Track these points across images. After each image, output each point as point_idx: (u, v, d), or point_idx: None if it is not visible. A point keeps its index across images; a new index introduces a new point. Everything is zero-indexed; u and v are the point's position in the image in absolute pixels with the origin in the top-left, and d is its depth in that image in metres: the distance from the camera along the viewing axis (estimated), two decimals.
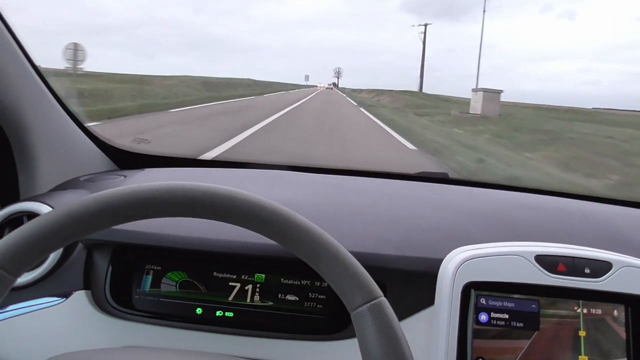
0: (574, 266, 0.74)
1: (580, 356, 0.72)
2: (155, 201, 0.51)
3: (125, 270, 0.84)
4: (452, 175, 1.34)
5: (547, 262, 0.74)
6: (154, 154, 1.25)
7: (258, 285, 0.83)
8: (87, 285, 0.82)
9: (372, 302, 0.50)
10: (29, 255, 0.48)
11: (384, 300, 0.51)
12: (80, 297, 0.80)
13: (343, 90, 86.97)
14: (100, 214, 0.50)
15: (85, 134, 1.15)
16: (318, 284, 0.83)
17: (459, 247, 0.79)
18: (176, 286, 0.83)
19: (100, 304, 0.81)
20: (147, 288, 0.83)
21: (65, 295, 0.80)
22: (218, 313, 0.82)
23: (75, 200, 0.50)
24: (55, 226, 0.49)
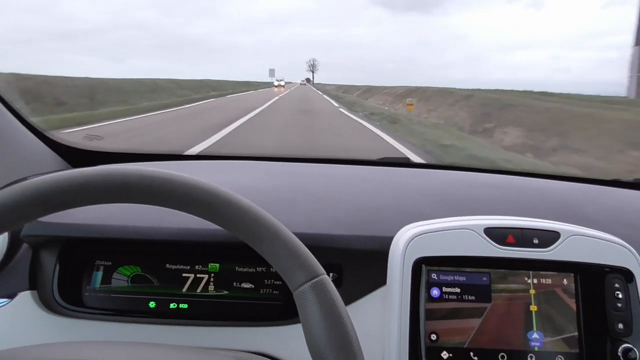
0: (522, 237, 0.75)
1: (532, 329, 0.73)
2: (89, 187, 0.49)
3: (73, 268, 0.82)
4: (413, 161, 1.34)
5: (496, 234, 0.74)
6: (106, 151, 1.22)
7: (212, 275, 0.82)
8: (33, 286, 0.79)
9: (313, 280, 0.49)
10: None
11: (326, 278, 0.50)
12: (26, 298, 0.78)
13: (322, 88, 66.37)
14: (30, 202, 0.48)
15: (33, 132, 1.11)
16: (274, 270, 0.82)
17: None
18: (128, 281, 0.81)
19: (47, 304, 0.78)
20: (98, 285, 0.81)
21: (10, 296, 0.78)
22: (172, 305, 0.80)
23: (2, 190, 0.48)
24: None
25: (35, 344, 0.58)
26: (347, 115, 15.34)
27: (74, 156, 1.18)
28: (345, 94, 39.90)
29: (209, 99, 23.25)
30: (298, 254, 0.51)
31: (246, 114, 13.22)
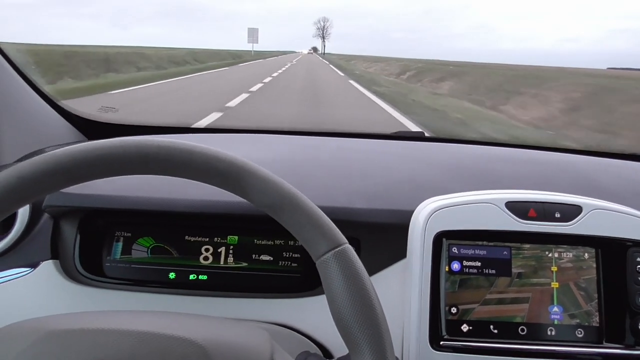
0: (544, 211, 0.74)
1: (553, 303, 0.73)
2: (108, 159, 0.49)
3: (94, 239, 0.82)
4: (428, 134, 1.34)
5: (518, 208, 0.74)
6: (121, 123, 1.22)
7: (231, 247, 0.83)
8: (55, 255, 0.80)
9: (336, 249, 0.49)
10: None
11: (348, 247, 0.50)
12: (48, 267, 0.79)
13: (351, 67, 29.82)
14: (51, 174, 0.48)
15: (49, 104, 1.11)
16: (292, 243, 0.83)
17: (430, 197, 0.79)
18: (148, 252, 0.82)
19: (69, 273, 0.79)
20: (118, 255, 0.82)
21: (33, 265, 0.79)
22: (192, 276, 0.81)
23: (23, 162, 0.48)
24: (5, 189, 0.47)
25: (62, 313, 0.59)
26: None
27: (89, 128, 1.18)
28: None
29: None
30: (320, 223, 0.50)
31: None
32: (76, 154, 0.48)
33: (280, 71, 21.02)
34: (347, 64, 37.28)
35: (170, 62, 20.47)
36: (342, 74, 21.80)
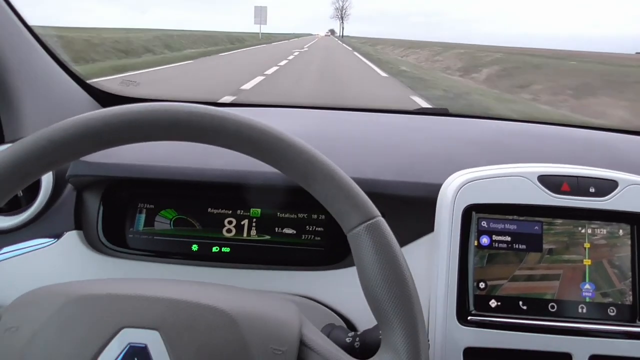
0: (578, 186, 0.71)
1: (585, 280, 0.71)
2: (138, 123, 0.47)
3: (117, 210, 0.82)
4: (452, 111, 1.31)
5: (551, 182, 0.71)
6: (142, 97, 1.22)
7: (254, 220, 0.82)
8: (78, 226, 0.80)
9: (368, 222, 0.48)
10: (8, 183, 0.46)
11: (381, 220, 0.49)
12: (72, 238, 0.79)
13: (395, 68, 13.16)
14: (81, 138, 0.47)
15: (72, 77, 1.11)
16: (315, 216, 0.82)
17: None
18: (170, 224, 0.82)
19: (93, 244, 0.80)
20: (141, 227, 0.82)
21: (57, 236, 0.79)
22: (214, 249, 0.81)
23: (53, 125, 0.47)
24: (35, 152, 0.46)
25: (90, 279, 0.59)
26: None
27: (112, 102, 1.18)
28: None
29: None
30: (352, 195, 0.49)
31: None
32: (107, 117, 0.47)
33: (276, 69, 11.96)
34: (374, 50, 27.77)
35: (117, 51, 12.66)
36: (383, 73, 12.53)
